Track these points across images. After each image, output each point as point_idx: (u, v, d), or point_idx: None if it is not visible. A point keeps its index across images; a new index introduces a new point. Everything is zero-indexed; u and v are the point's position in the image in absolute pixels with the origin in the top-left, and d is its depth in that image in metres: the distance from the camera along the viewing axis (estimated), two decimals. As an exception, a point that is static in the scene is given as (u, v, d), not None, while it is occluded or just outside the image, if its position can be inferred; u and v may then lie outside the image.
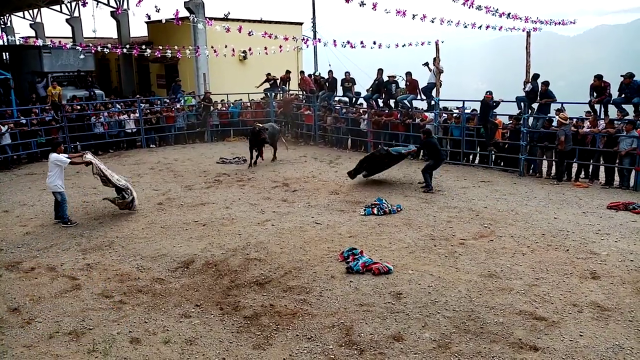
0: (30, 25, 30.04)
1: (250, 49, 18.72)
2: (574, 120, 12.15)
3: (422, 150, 13.34)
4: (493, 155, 13.23)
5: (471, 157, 13.91)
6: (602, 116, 11.91)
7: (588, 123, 11.98)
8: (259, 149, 13.88)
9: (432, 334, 5.37)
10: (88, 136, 15.86)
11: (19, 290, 6.57)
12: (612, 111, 11.98)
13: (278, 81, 18.63)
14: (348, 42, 17.54)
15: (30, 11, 29.72)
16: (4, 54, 23.44)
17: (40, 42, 18.22)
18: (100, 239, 8.40)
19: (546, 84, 12.29)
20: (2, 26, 32.26)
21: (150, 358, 5.04)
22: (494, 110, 12.95)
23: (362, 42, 17.66)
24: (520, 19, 16.47)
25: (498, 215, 9.27)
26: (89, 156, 9.43)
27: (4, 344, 5.32)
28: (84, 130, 15.80)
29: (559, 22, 19.12)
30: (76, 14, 25.86)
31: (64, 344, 5.31)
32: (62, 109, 15.61)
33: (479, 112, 13.03)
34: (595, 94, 11.83)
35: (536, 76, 12.40)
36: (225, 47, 18.26)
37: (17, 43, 20.74)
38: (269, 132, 13.72)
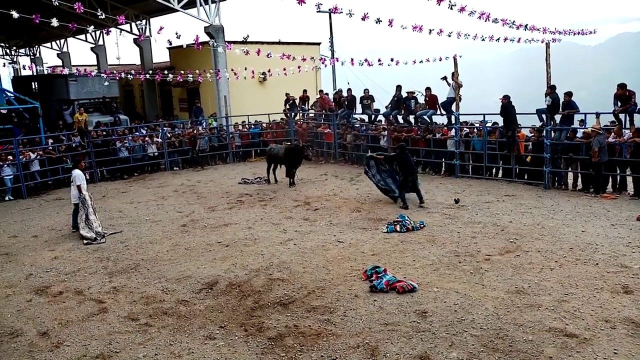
0: (58, 54, 31.17)
1: (269, 71, 19.02)
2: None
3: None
4: (517, 169, 13.04)
5: (494, 170, 13.75)
6: (628, 125, 11.67)
7: (613, 133, 11.74)
8: (295, 168, 13.68)
9: (460, 353, 5.26)
10: (113, 160, 16.21)
11: (47, 314, 6.69)
12: (638, 120, 11.72)
13: (297, 101, 18.83)
14: (366, 60, 17.69)
15: (58, 41, 30.86)
16: (33, 83, 24.35)
17: (66, 71, 18.88)
18: (125, 262, 8.52)
19: (569, 94, 12.13)
20: (32, 57, 33.54)
21: (176, 381, 5.05)
22: (519, 123, 12.84)
23: (379, 60, 17.79)
24: (539, 30, 16.38)
25: (524, 230, 9.10)
26: (84, 193, 10.20)
27: (33, 368, 5.40)
28: (109, 155, 16.17)
29: (579, 32, 18.93)
30: (100, 42, 26.73)
31: (91, 367, 5.36)
32: (88, 135, 16.03)
33: (502, 119, 12.88)
34: (619, 103, 11.61)
35: (554, 88, 12.25)
36: (245, 69, 18.59)
37: (45, 72, 21.48)
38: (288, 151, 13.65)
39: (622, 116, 11.74)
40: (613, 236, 8.52)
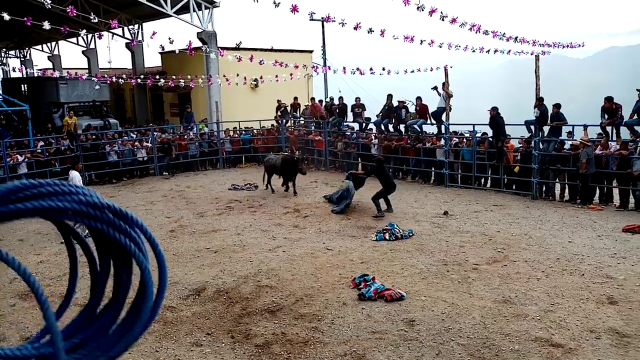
0: (48, 57, 30.96)
1: (261, 77, 19.06)
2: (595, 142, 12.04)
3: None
4: (505, 179, 13.16)
5: (483, 180, 13.85)
6: (614, 138, 11.84)
7: (600, 145, 11.90)
8: (290, 179, 13.43)
9: (446, 362, 5.27)
10: (102, 165, 16.10)
11: (31, 319, 6.60)
12: (624, 133, 11.90)
13: (288, 108, 18.87)
14: (357, 68, 17.80)
15: (49, 44, 30.67)
16: (22, 85, 24.17)
17: (57, 74, 18.76)
18: (112, 267, 8.43)
19: (557, 106, 12.29)
20: (22, 59, 33.28)
21: (161, 388, 5.00)
22: (508, 134, 12.98)
23: (371, 69, 17.91)
24: (528, 42, 16.61)
25: (511, 240, 9.17)
26: None
27: (16, 374, 5.31)
28: (98, 159, 16.06)
29: (568, 45, 19.22)
30: (92, 45, 26.62)
31: (75, 373, 5.29)
32: (77, 139, 15.93)
33: (492, 130, 13.01)
34: (606, 116, 11.78)
35: (542, 100, 12.40)
36: (237, 75, 18.61)
37: (35, 75, 21.34)
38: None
39: (609, 129, 11.92)
40: (599, 247, 8.61)
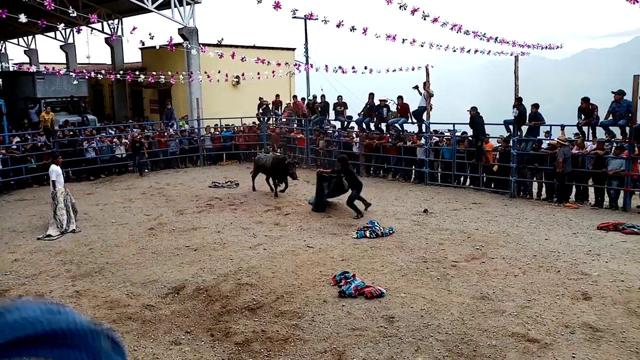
0: (25, 51, 30.27)
1: (243, 74, 18.96)
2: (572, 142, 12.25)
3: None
4: (484, 178, 13.33)
5: (462, 179, 14.01)
6: (591, 138, 12.09)
7: (576, 145, 12.14)
8: (280, 181, 12.95)
9: (425, 357, 5.32)
10: (80, 161, 15.83)
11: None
12: (600, 133, 12.16)
13: (270, 105, 18.81)
14: (340, 67, 17.85)
15: (25, 38, 29.97)
16: (-3, 80, 23.60)
17: (34, 69, 18.36)
18: (90, 265, 8.32)
19: (536, 106, 12.49)
20: (-4, 53, 32.46)
21: (139, 386, 4.95)
22: (487, 133, 13.14)
23: (353, 67, 17.98)
24: (508, 42, 16.85)
25: (489, 237, 9.30)
26: (58, 188, 10.26)
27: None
28: (75, 156, 15.78)
29: (546, 47, 19.56)
30: (70, 40, 26.11)
31: (51, 373, 5.20)
32: (54, 134, 15.63)
33: (472, 130, 13.15)
34: (583, 117, 12.02)
35: (521, 100, 12.58)
36: (219, 72, 18.48)
37: (11, 69, 20.85)
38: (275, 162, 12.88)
39: (585, 129, 12.16)
40: (574, 244, 8.79)
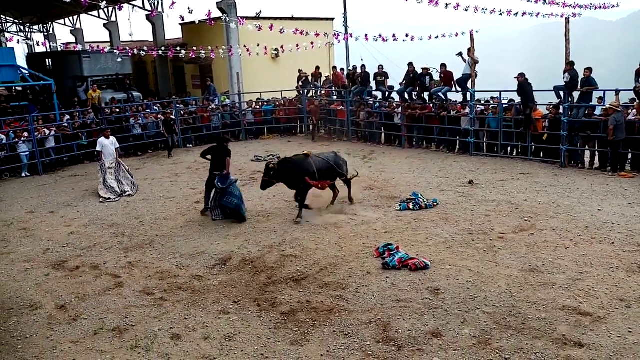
0: (71, 31, 31.10)
1: (282, 47, 18.79)
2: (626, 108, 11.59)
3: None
4: (533, 147, 12.84)
5: (509, 149, 13.56)
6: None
7: (634, 110, 11.46)
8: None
9: (472, 330, 5.26)
10: (127, 137, 16.29)
11: (65, 288, 6.83)
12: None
13: (310, 78, 18.65)
14: (380, 35, 17.39)
15: (71, 18, 30.77)
16: (47, 60, 24.42)
17: (80, 48, 18.84)
18: (140, 237, 8.63)
19: (589, 70, 11.82)
20: (45, 34, 33.56)
21: (191, 354, 5.14)
22: (536, 101, 12.59)
23: (394, 36, 17.47)
24: (558, 4, 15.92)
25: (539, 208, 9.01)
26: (104, 160, 11.52)
27: (53, 340, 5.54)
28: (123, 132, 16.24)
29: (600, 7, 18.37)
30: (113, 18, 26.59)
31: (108, 340, 5.48)
32: (101, 112, 16.10)
33: (520, 97, 12.64)
34: (640, 80, 11.29)
35: (572, 64, 11.93)
36: (258, 45, 18.39)
37: (59, 49, 21.49)
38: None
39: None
40: (630, 215, 8.39)
